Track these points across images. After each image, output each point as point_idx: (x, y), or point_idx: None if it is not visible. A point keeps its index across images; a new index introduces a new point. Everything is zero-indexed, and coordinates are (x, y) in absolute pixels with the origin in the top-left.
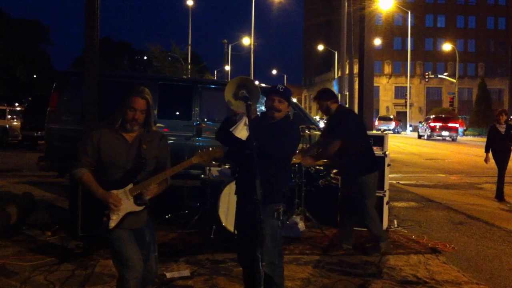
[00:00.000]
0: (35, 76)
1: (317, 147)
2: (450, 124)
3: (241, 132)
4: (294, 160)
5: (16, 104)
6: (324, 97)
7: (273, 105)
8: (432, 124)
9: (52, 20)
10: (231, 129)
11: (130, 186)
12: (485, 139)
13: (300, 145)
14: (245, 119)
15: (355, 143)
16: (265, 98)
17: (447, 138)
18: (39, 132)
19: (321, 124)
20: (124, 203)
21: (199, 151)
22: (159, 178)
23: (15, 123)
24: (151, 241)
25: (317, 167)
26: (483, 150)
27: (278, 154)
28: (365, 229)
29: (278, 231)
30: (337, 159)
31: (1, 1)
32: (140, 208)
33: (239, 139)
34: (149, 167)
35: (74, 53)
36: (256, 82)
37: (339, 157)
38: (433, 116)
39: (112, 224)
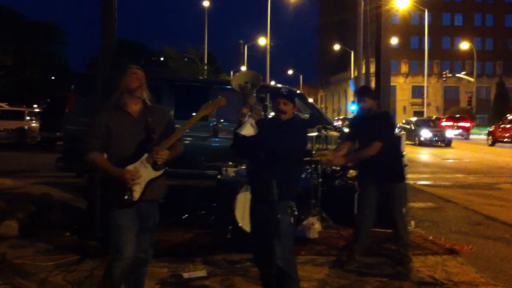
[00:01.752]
0: (53, 78)
1: (347, 147)
2: (460, 123)
3: (247, 130)
4: (327, 157)
5: (35, 106)
6: (373, 95)
7: (278, 108)
8: (443, 124)
9: (71, 20)
10: (237, 130)
11: (146, 155)
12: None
13: (309, 145)
14: (251, 120)
15: (394, 146)
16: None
17: (459, 137)
18: (58, 133)
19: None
20: (143, 172)
21: (204, 104)
22: (171, 139)
23: (33, 124)
24: (151, 229)
25: (333, 167)
26: (497, 149)
27: (285, 152)
28: (380, 230)
29: (291, 227)
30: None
31: (18, 2)
32: (160, 172)
33: (252, 146)
34: (157, 137)
35: (92, 53)
36: (272, 83)
37: (372, 160)
38: (447, 116)
39: (136, 195)
